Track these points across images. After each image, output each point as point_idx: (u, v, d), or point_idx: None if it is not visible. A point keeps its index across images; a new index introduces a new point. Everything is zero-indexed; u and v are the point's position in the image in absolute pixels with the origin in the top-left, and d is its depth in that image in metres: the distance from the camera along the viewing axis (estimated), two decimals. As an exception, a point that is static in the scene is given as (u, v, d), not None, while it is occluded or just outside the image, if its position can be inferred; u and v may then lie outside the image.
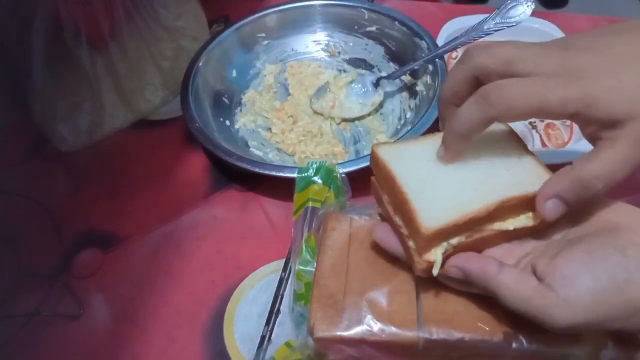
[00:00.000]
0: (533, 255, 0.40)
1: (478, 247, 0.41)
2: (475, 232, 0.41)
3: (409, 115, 0.75)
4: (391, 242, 0.44)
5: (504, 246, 0.42)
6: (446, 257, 0.40)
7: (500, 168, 0.43)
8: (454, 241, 0.40)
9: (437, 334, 0.41)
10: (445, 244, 0.40)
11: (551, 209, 0.39)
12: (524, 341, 0.40)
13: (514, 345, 0.40)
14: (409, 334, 0.41)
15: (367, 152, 0.69)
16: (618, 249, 0.36)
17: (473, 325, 0.41)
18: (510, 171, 0.43)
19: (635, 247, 0.36)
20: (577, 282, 0.35)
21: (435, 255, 0.40)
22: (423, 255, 0.40)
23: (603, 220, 0.40)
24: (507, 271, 0.38)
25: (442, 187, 0.42)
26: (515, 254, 0.41)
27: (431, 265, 0.40)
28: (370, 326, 0.41)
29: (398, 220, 0.43)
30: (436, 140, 0.45)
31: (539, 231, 0.42)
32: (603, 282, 0.35)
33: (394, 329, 0.41)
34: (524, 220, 0.42)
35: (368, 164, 0.60)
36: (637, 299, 0.35)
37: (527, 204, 0.41)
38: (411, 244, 0.41)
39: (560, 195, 0.39)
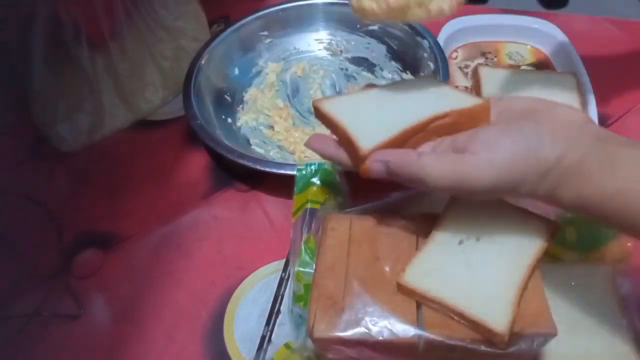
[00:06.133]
0: (450, 138, 0.43)
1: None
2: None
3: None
4: (329, 149, 0.47)
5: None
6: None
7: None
8: None
9: (437, 335, 0.41)
10: None
11: (374, 169, 0.42)
12: (522, 344, 0.40)
13: (512, 348, 0.40)
14: (408, 335, 0.41)
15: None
16: (533, 121, 0.41)
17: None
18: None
19: (548, 120, 0.41)
20: (497, 145, 0.39)
21: None
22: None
23: (521, 108, 0.44)
24: (427, 154, 0.41)
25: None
26: (429, 145, 0.45)
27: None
28: (369, 327, 0.41)
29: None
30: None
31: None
32: (520, 144, 0.39)
33: (393, 330, 0.41)
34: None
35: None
36: (547, 160, 0.38)
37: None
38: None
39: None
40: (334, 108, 0.48)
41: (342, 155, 0.46)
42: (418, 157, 0.40)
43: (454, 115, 0.44)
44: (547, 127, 0.39)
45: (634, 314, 0.48)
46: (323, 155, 0.47)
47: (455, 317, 0.41)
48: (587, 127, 0.41)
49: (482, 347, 0.40)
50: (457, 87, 0.48)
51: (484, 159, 0.38)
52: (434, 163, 0.40)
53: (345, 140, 0.45)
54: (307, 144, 0.48)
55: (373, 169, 0.42)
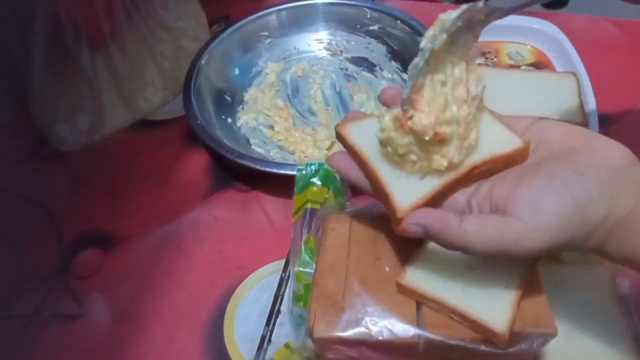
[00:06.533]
0: (487, 186, 0.40)
1: (440, 200, 0.41)
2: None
3: (409, 114, 0.75)
4: (351, 172, 0.44)
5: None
6: None
7: None
8: None
9: (437, 335, 0.41)
10: None
11: (412, 231, 0.39)
12: (522, 344, 0.40)
13: (512, 348, 0.40)
14: (408, 335, 0.41)
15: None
16: (576, 171, 0.37)
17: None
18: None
19: (592, 168, 0.37)
20: (543, 207, 0.36)
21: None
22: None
23: (558, 144, 0.40)
24: (468, 219, 0.38)
25: None
26: (465, 192, 0.41)
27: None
28: (369, 327, 0.41)
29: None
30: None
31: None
32: (566, 204, 0.35)
33: (392, 330, 0.41)
34: None
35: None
36: (595, 218, 0.35)
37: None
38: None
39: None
40: (363, 140, 0.43)
41: (366, 184, 0.43)
42: (460, 223, 0.37)
43: (493, 161, 0.41)
44: (591, 177, 0.36)
45: (634, 314, 0.48)
46: (345, 178, 0.45)
47: (455, 317, 0.41)
48: (632, 170, 0.37)
49: (482, 347, 0.40)
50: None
51: (529, 227, 0.35)
52: (477, 230, 0.37)
53: (376, 184, 0.42)
54: (330, 161, 0.45)
55: (410, 231, 0.39)
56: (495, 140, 0.42)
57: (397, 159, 0.41)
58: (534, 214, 0.36)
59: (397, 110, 0.40)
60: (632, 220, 0.36)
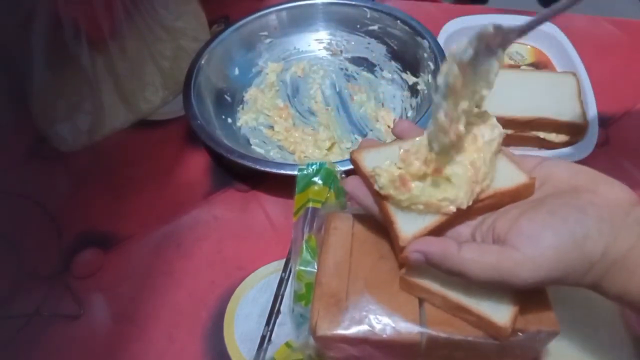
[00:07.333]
0: (491, 219, 0.41)
1: (443, 230, 0.43)
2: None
3: (410, 113, 0.75)
4: (362, 197, 0.45)
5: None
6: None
7: None
8: None
9: (440, 332, 0.41)
10: None
11: (413, 258, 0.40)
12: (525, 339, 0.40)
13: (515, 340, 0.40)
14: (411, 334, 0.41)
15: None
16: (578, 208, 0.38)
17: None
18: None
19: (593, 206, 0.38)
20: (541, 240, 0.37)
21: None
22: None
23: (564, 182, 0.41)
24: (467, 246, 0.39)
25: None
26: (470, 225, 0.43)
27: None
28: (372, 325, 0.41)
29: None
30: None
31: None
32: (564, 238, 0.37)
33: (396, 328, 0.41)
34: None
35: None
36: (593, 255, 0.36)
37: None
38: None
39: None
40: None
41: (376, 210, 0.44)
42: (458, 250, 0.38)
43: (498, 196, 0.42)
44: (593, 216, 0.37)
45: (633, 314, 0.48)
46: (356, 202, 0.46)
47: (458, 312, 0.41)
48: (634, 212, 0.38)
49: (484, 341, 0.40)
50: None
51: (527, 258, 0.37)
52: (475, 257, 0.38)
53: (383, 211, 0.43)
54: (344, 184, 0.47)
55: (411, 259, 0.40)
56: (500, 176, 0.43)
57: (402, 208, 0.42)
58: (533, 246, 0.37)
59: (393, 169, 0.42)
60: (630, 259, 0.36)
